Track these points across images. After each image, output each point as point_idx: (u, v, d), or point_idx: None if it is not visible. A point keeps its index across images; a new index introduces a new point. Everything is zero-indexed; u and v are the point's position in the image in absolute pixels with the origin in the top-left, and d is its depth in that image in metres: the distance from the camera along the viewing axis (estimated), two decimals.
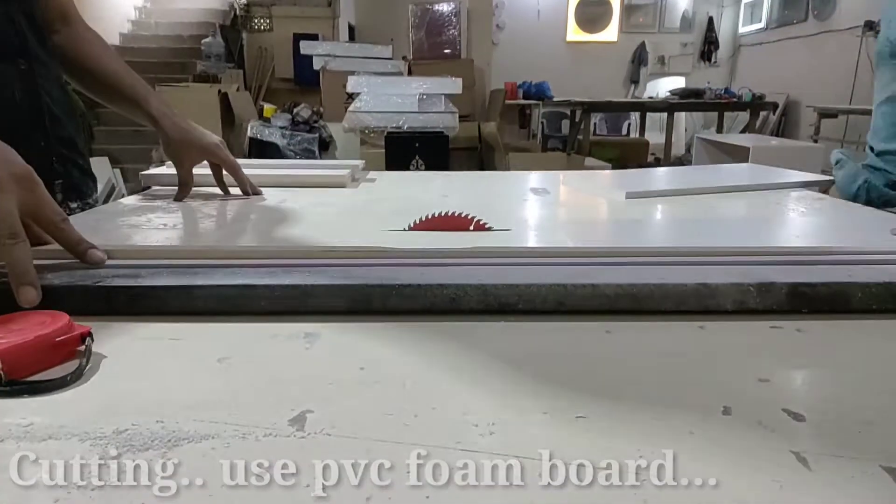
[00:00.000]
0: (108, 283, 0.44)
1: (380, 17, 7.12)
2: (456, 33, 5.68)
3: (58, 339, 0.37)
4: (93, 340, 0.38)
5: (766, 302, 0.45)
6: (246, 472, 0.27)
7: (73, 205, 0.85)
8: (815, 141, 4.88)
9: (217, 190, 0.90)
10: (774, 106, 5.98)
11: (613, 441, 0.30)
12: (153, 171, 1.10)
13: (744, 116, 6.05)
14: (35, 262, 0.44)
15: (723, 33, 7.85)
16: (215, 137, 0.87)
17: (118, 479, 0.26)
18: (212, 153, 0.85)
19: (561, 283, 0.45)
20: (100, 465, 0.27)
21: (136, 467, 0.27)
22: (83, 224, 0.70)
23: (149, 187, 1.07)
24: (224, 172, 0.87)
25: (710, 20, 7.80)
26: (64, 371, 0.36)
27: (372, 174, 1.18)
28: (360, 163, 1.15)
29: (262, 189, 0.91)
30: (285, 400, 0.33)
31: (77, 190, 0.87)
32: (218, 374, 0.36)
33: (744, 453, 0.29)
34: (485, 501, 0.25)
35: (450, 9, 5.70)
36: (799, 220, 0.76)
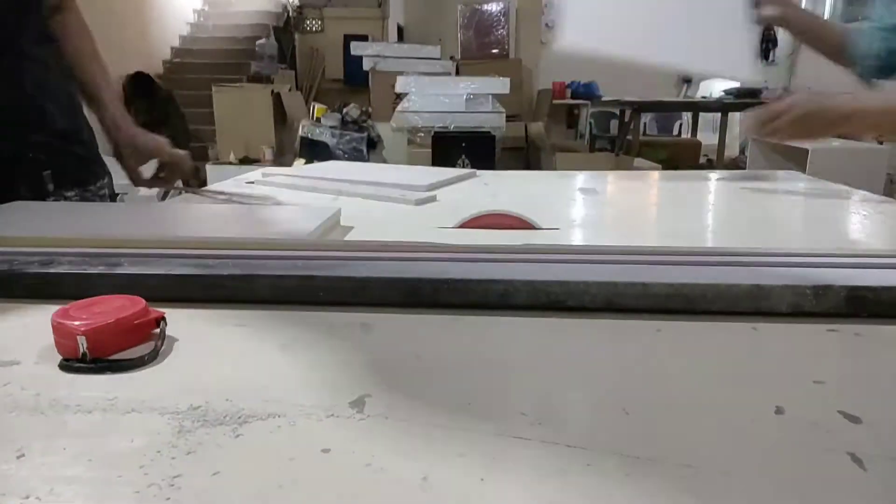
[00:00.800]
0: (178, 272, 0.47)
1: (428, 18, 7.17)
2: (504, 33, 5.66)
3: (136, 322, 0.40)
4: (166, 324, 0.41)
5: (823, 305, 0.45)
6: (310, 447, 0.29)
7: (70, 192, 0.87)
8: (881, 143, 4.65)
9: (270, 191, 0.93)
10: None
11: (663, 434, 0.30)
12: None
13: None
14: (110, 250, 0.48)
15: (782, 31, 7.56)
16: (161, 139, 0.95)
17: (196, 450, 0.28)
18: (161, 156, 0.94)
19: (611, 280, 0.46)
20: (178, 436, 0.30)
21: (212, 440, 0.29)
22: (149, 214, 0.74)
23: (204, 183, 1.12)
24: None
25: None
26: (141, 352, 0.38)
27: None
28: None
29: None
30: (345, 384, 0.35)
31: (73, 178, 0.88)
32: (281, 359, 0.38)
33: (797, 452, 0.29)
34: (536, 486, 0.26)
35: (499, 8, 5.68)
36: (860, 223, 0.74)
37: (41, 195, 0.82)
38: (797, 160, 3.08)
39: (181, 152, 0.95)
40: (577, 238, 0.75)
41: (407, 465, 0.28)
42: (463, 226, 0.74)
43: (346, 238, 0.64)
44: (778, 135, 0.90)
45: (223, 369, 0.37)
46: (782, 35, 7.48)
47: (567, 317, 0.45)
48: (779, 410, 0.32)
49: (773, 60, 7.58)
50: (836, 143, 3.37)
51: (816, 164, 2.73)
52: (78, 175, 0.89)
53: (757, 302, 0.45)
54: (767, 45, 7.52)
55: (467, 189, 1.06)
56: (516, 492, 0.26)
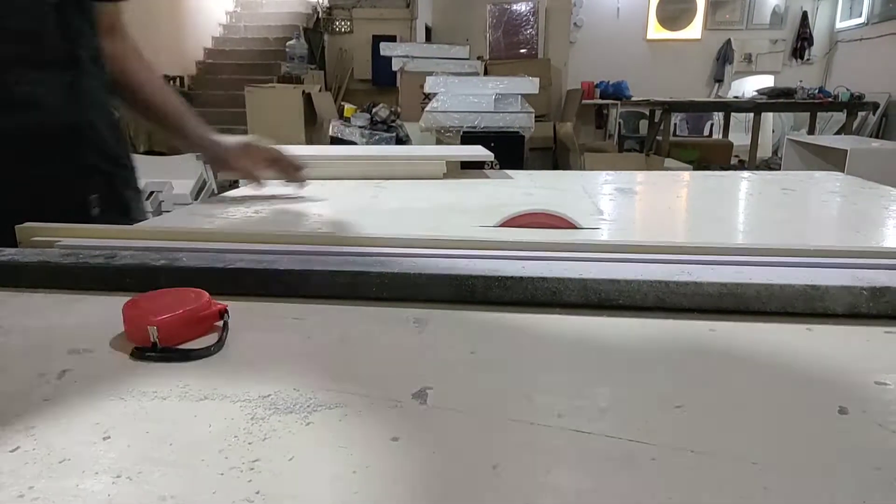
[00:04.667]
0: (237, 266, 0.49)
1: (456, 18, 7.19)
2: (533, 32, 5.64)
3: (201, 314, 0.41)
4: (229, 316, 0.42)
5: (880, 307, 0.44)
6: (379, 435, 0.30)
7: (112, 217, 0.80)
8: None
9: (321, 183, 0.95)
10: (875, 106, 5.59)
11: (725, 432, 0.30)
12: None
13: (838, 117, 5.69)
14: (170, 243, 0.50)
15: (818, 29, 7.41)
16: (243, 138, 0.91)
17: (270, 436, 0.30)
18: (252, 152, 0.90)
19: (662, 279, 0.46)
20: (252, 423, 0.31)
21: (284, 427, 0.30)
22: (195, 214, 0.76)
23: (237, 182, 1.15)
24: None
25: (805, 15, 7.38)
26: (206, 342, 0.40)
27: (459, 171, 1.21)
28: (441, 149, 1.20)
29: (349, 181, 0.97)
30: (405, 377, 0.36)
31: (116, 202, 0.83)
32: (341, 351, 0.40)
33: (863, 452, 0.29)
34: (603, 477, 0.27)
35: (527, 8, 5.66)
36: None
37: (86, 218, 0.77)
38: (834, 161, 3.01)
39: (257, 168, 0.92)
40: (618, 237, 0.75)
41: (475, 453, 0.28)
42: (503, 225, 0.75)
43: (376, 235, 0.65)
44: None
45: (286, 360, 0.38)
46: (818, 33, 7.32)
47: (618, 315, 0.45)
48: (842, 411, 0.32)
49: (808, 59, 7.43)
50: (876, 143, 3.29)
51: (855, 164, 2.66)
52: (121, 200, 0.85)
53: (812, 303, 0.45)
54: (802, 43, 7.38)
55: (500, 189, 1.07)
56: (585, 483, 0.27)
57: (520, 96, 3.62)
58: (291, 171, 0.91)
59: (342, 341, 0.41)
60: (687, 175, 1.46)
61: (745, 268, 0.48)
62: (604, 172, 1.26)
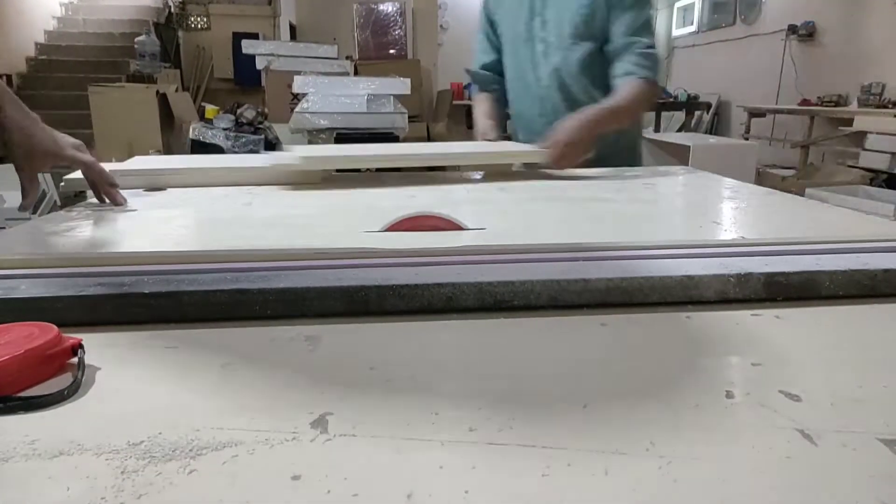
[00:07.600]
0: (91, 292, 0.42)
1: (322, 17, 7.03)
2: (401, 33, 5.66)
3: (48, 352, 0.35)
4: (84, 352, 0.36)
5: (745, 291, 0.48)
6: (278, 475, 0.27)
7: None
8: (747, 139, 5.15)
9: (183, 191, 0.87)
10: (708, 106, 6.27)
11: (632, 428, 0.31)
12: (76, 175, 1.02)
13: (679, 116, 6.30)
14: (13, 270, 0.42)
15: (657, 35, 8.15)
16: (70, 140, 0.77)
17: (147, 492, 0.25)
18: (62, 157, 0.75)
19: (554, 279, 0.46)
20: (123, 478, 0.26)
21: (163, 479, 0.26)
22: (35, 232, 0.67)
23: (83, 192, 1.02)
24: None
25: None
26: (57, 385, 0.34)
27: (335, 175, 1.17)
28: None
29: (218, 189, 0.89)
30: (302, 403, 0.33)
31: None
32: (225, 381, 0.35)
33: (754, 432, 0.30)
34: (522, 493, 0.26)
35: (394, 9, 5.68)
36: (763, 213, 0.81)
37: None
38: (679, 156, 3.33)
39: (88, 157, 0.77)
40: (505, 237, 0.76)
41: (388, 484, 0.26)
42: (389, 229, 0.73)
43: (265, 242, 0.60)
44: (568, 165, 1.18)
45: (160, 397, 0.34)
46: (658, 39, 8.06)
47: (514, 316, 0.45)
48: (729, 394, 0.34)
49: None
50: (713, 140, 3.68)
51: (697, 158, 2.96)
52: None
53: (688, 291, 0.47)
54: None
55: (381, 191, 1.04)
56: (505, 501, 0.26)
57: (392, 97, 3.60)
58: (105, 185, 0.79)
59: (225, 368, 0.37)
60: (560, 173, 1.52)
61: (626, 262, 0.50)
62: (481, 172, 1.28)
